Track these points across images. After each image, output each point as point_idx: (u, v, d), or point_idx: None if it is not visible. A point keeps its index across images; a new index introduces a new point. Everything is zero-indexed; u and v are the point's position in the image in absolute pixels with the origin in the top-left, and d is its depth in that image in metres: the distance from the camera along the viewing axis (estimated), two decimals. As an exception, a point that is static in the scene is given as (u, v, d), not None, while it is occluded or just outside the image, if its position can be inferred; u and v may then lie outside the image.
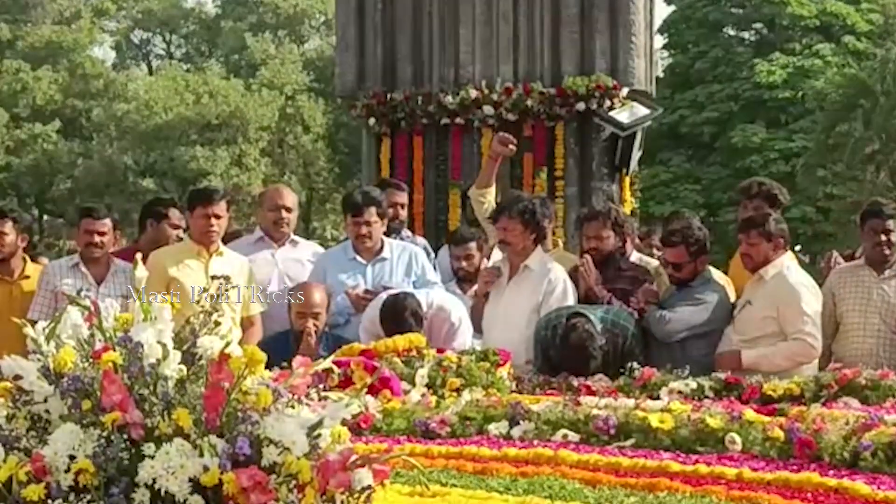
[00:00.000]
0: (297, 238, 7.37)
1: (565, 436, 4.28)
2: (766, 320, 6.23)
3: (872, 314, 6.49)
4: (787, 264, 6.36)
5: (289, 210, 7.24)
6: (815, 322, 6.23)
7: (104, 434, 2.62)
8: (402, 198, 7.91)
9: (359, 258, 7.00)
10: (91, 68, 37.05)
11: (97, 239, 6.72)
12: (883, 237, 6.53)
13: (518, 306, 6.60)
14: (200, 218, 6.67)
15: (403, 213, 7.93)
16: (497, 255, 7.23)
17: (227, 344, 2.74)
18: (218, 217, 6.69)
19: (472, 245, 7.30)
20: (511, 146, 7.56)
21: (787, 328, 6.19)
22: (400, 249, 7.11)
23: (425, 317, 6.25)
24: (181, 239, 7.24)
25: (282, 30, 38.97)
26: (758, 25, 35.38)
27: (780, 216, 6.60)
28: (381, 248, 7.03)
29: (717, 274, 6.87)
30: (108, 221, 6.80)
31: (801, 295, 6.21)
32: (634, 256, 7.31)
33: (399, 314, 6.18)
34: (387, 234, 7.31)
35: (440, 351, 5.67)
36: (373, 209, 6.99)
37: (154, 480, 2.57)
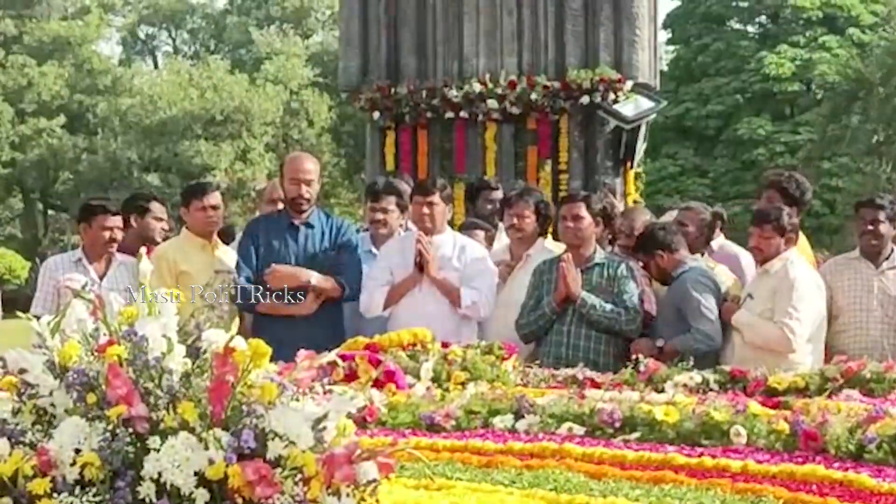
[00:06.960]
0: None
1: (570, 429, 4.28)
2: (764, 313, 6.21)
3: (874, 306, 6.47)
4: (792, 258, 6.32)
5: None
6: (803, 318, 6.15)
7: (109, 427, 2.61)
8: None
9: (374, 250, 7.00)
10: (97, 64, 37.07)
11: (118, 235, 6.63)
12: (870, 227, 6.49)
13: (521, 294, 6.60)
14: (198, 211, 6.74)
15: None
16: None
17: (232, 337, 2.74)
18: (215, 208, 6.77)
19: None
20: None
21: (775, 315, 6.17)
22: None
23: None
24: (164, 231, 7.27)
25: (287, 24, 38.94)
26: (761, 19, 35.37)
27: (793, 211, 6.51)
28: None
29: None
30: (119, 217, 6.77)
31: (798, 289, 6.17)
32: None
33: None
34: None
35: (445, 345, 5.68)
36: (392, 198, 7.06)
37: (160, 474, 2.57)
